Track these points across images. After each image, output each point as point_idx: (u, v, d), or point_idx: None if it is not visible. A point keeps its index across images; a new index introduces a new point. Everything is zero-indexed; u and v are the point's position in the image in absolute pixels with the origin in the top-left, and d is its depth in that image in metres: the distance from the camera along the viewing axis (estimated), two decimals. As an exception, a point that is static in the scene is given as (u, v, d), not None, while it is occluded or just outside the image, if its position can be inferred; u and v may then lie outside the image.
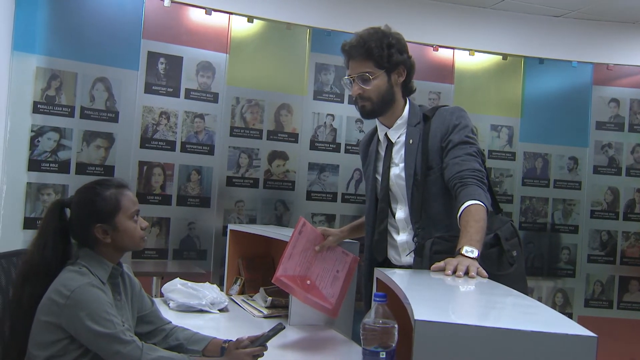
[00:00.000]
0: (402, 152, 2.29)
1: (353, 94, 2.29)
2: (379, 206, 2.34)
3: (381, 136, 2.38)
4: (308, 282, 2.36)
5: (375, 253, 2.36)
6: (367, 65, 2.27)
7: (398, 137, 2.33)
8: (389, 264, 2.35)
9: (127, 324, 1.85)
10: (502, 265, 2.11)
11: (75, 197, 1.95)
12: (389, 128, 2.34)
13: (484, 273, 1.77)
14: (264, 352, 1.95)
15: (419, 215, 2.20)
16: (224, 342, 2.05)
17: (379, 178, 2.37)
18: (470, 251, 1.86)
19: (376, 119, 2.40)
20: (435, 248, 2.11)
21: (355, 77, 2.27)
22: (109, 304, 1.78)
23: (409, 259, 2.27)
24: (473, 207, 1.98)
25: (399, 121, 2.32)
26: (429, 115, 2.28)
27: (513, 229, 2.23)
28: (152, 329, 2.08)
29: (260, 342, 1.96)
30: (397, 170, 2.30)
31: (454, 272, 1.76)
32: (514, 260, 2.14)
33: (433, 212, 2.19)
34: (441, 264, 1.83)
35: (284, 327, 2.04)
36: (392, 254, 2.35)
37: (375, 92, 2.26)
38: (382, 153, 2.38)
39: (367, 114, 2.32)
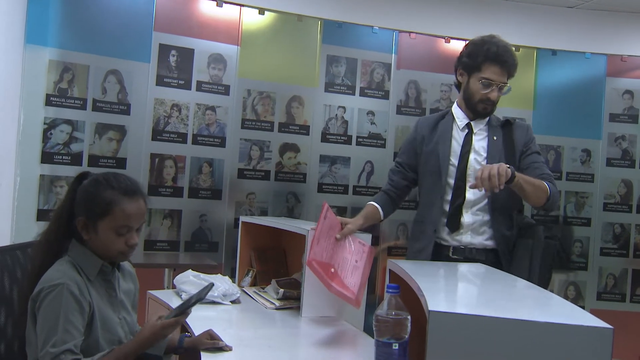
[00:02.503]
0: (485, 143, 2.64)
1: (493, 98, 2.60)
2: (456, 184, 2.61)
3: (462, 124, 2.68)
4: (332, 270, 2.35)
5: (449, 224, 2.61)
6: (506, 77, 2.62)
7: (479, 130, 2.68)
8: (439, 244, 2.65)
9: (122, 320, 1.83)
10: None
11: (89, 178, 1.86)
12: (472, 120, 2.68)
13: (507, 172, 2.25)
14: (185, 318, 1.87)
15: (497, 200, 2.56)
16: (181, 336, 2.04)
17: (454, 159, 2.64)
18: (512, 169, 2.32)
19: (456, 107, 2.73)
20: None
21: (500, 85, 2.60)
22: (72, 312, 1.66)
23: (468, 238, 2.61)
24: (544, 183, 2.56)
25: (482, 119, 2.69)
26: (511, 122, 2.71)
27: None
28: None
29: (176, 312, 1.81)
30: (478, 157, 2.63)
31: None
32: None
33: (503, 200, 2.58)
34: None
35: (212, 285, 1.96)
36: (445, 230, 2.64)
37: (499, 99, 2.66)
38: (459, 138, 2.66)
39: (485, 115, 2.68)
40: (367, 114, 4.50)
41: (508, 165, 2.31)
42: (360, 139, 4.48)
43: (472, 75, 2.63)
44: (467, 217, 2.62)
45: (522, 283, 1.59)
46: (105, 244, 1.78)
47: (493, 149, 2.62)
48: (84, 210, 1.79)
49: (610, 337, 1.10)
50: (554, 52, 4.79)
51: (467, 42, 2.75)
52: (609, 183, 4.84)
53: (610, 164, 4.84)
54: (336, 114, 4.43)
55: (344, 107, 4.46)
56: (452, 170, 2.64)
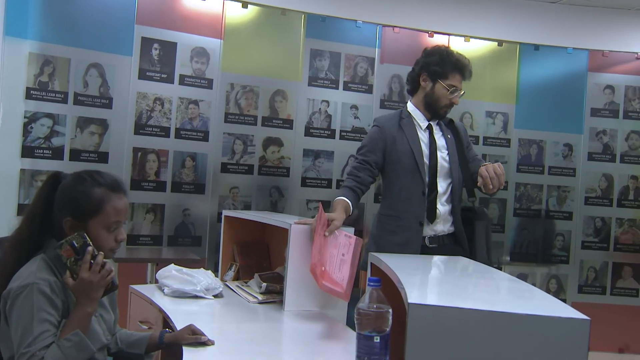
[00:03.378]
0: (443, 142, 2.92)
1: (457, 102, 2.89)
2: (430, 180, 2.85)
3: (424, 125, 2.91)
4: (323, 268, 2.36)
5: (429, 216, 2.83)
6: (461, 87, 2.91)
7: (435, 129, 2.93)
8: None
9: (99, 317, 1.80)
10: None
11: (68, 178, 1.81)
12: (430, 121, 2.92)
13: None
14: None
15: (456, 192, 2.89)
16: (162, 332, 2.02)
17: (426, 159, 2.87)
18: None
19: (415, 109, 2.94)
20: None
21: (459, 91, 2.88)
22: (45, 310, 1.64)
23: (440, 227, 2.87)
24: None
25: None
26: (453, 122, 3.00)
27: None
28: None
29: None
30: (442, 154, 2.89)
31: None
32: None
33: (459, 192, 2.93)
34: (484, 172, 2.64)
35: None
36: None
37: None
38: (424, 138, 2.89)
39: (442, 117, 2.94)
40: (351, 108, 4.50)
41: (499, 163, 2.68)
42: (344, 133, 4.49)
43: (437, 82, 2.86)
44: (440, 208, 2.87)
45: (501, 275, 1.61)
46: (95, 243, 1.75)
47: (451, 146, 2.92)
48: (71, 211, 1.75)
49: (587, 328, 1.11)
50: (536, 47, 4.82)
51: (427, 52, 2.96)
52: (590, 177, 4.89)
53: (591, 158, 4.88)
54: (320, 108, 4.43)
55: (327, 101, 4.45)
56: (426, 167, 2.87)
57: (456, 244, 2.89)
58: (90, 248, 1.72)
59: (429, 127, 2.91)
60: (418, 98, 2.93)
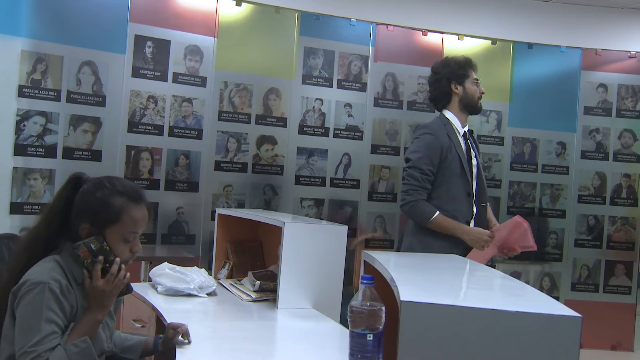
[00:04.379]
0: (473, 148, 3.15)
1: (483, 91, 3.18)
2: (472, 184, 3.09)
3: (462, 132, 3.13)
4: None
5: (477, 224, 3.07)
6: None
7: (465, 134, 3.16)
8: None
9: (104, 324, 1.78)
10: None
11: (90, 183, 1.79)
12: (464, 128, 3.15)
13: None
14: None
15: (482, 195, 3.14)
16: (156, 338, 2.01)
17: (466, 165, 3.07)
18: None
19: (453, 116, 3.14)
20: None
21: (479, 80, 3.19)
22: (54, 311, 1.63)
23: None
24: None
25: (467, 126, 3.20)
26: (472, 132, 3.28)
27: None
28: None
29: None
30: (474, 161, 3.13)
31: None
32: None
33: (485, 195, 3.17)
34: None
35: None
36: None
37: None
38: (462, 144, 3.10)
39: (478, 110, 3.24)
40: (345, 106, 4.50)
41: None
42: (338, 131, 4.48)
43: (464, 82, 3.13)
44: (474, 209, 3.10)
45: (494, 273, 1.61)
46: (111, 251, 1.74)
47: (477, 153, 3.19)
48: (89, 217, 1.74)
49: (578, 325, 1.12)
50: (530, 45, 4.83)
51: (439, 67, 3.20)
52: (584, 175, 4.90)
53: (584, 156, 4.90)
54: (313, 106, 4.43)
55: (321, 99, 4.45)
56: (469, 173, 3.12)
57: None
58: (101, 257, 1.72)
59: (464, 134, 3.16)
60: (453, 105, 3.15)
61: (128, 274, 1.79)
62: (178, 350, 1.86)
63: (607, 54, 4.89)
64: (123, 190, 1.77)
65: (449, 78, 3.14)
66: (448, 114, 3.15)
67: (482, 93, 3.18)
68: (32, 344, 1.59)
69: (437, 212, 2.94)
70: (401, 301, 1.13)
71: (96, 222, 1.73)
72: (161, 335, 2.06)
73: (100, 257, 1.72)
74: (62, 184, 1.83)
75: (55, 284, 1.65)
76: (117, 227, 1.74)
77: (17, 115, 3.62)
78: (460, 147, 3.09)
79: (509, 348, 1.13)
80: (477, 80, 3.17)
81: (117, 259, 1.75)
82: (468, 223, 3.03)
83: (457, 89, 3.14)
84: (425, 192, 3.00)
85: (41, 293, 1.63)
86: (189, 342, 1.93)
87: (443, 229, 2.95)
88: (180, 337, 1.93)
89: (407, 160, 3.09)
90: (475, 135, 3.33)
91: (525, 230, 2.99)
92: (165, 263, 2.78)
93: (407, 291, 1.20)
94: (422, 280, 1.51)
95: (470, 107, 3.16)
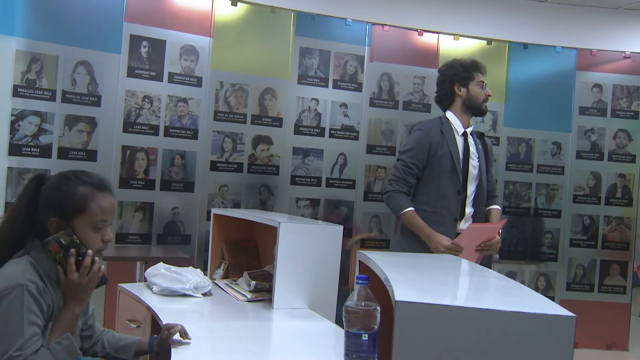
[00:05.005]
0: (475, 150, 3.19)
1: (489, 93, 3.24)
2: (463, 182, 3.11)
3: (460, 131, 3.17)
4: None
5: (460, 220, 3.11)
6: None
7: (470, 137, 3.20)
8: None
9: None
10: None
11: (52, 178, 1.79)
12: (465, 128, 3.19)
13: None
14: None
15: (480, 197, 3.17)
16: (152, 339, 2.01)
17: (460, 164, 3.11)
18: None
19: (453, 116, 3.20)
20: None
21: (486, 83, 3.23)
22: (34, 312, 1.62)
23: (463, 226, 3.10)
24: (499, 210, 3.34)
25: (470, 128, 3.22)
26: (484, 135, 3.34)
27: None
28: (82, 335, 1.91)
29: None
30: (473, 161, 3.16)
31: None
32: None
33: (483, 197, 3.21)
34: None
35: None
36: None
37: None
38: (459, 143, 3.14)
39: (483, 113, 3.30)
40: (340, 106, 4.50)
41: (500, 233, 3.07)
42: (334, 131, 4.48)
43: (468, 85, 3.18)
44: (467, 209, 3.13)
45: (489, 273, 1.61)
46: (82, 243, 1.74)
47: (481, 156, 3.20)
48: (56, 210, 1.73)
49: (572, 325, 1.12)
50: (525, 45, 4.84)
51: (445, 69, 3.28)
52: (579, 175, 4.92)
53: (579, 156, 4.91)
54: (309, 106, 4.43)
55: (317, 99, 4.45)
56: (460, 171, 3.14)
57: None
58: (73, 250, 1.72)
59: (464, 134, 3.18)
60: (456, 107, 3.21)
61: (103, 266, 1.79)
62: (173, 351, 1.86)
63: (602, 55, 4.90)
64: (87, 180, 1.77)
65: (452, 80, 3.21)
66: (449, 114, 3.22)
67: (488, 96, 3.23)
68: (17, 348, 1.58)
69: (410, 208, 3.04)
70: (396, 301, 1.13)
71: (64, 215, 1.73)
72: (156, 335, 2.06)
73: (72, 251, 1.71)
74: (24, 185, 1.81)
75: (32, 285, 1.64)
76: (85, 216, 1.74)
77: (12, 115, 3.61)
78: (455, 145, 3.13)
79: (503, 348, 1.13)
80: (483, 83, 3.22)
81: (89, 251, 1.75)
82: (456, 221, 3.10)
83: (460, 91, 3.20)
84: (405, 184, 3.10)
85: (19, 296, 1.61)
86: (189, 340, 1.93)
87: (410, 226, 3.05)
88: (178, 337, 1.93)
89: (398, 153, 3.26)
90: (487, 141, 3.35)
91: (479, 230, 3.05)
92: (161, 263, 2.78)
93: (402, 291, 1.20)
94: (417, 280, 1.51)
95: (474, 109, 3.21)
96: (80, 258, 1.73)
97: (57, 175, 1.80)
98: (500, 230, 3.09)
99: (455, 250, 2.90)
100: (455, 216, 3.10)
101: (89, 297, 1.80)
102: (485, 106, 3.25)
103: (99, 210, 1.76)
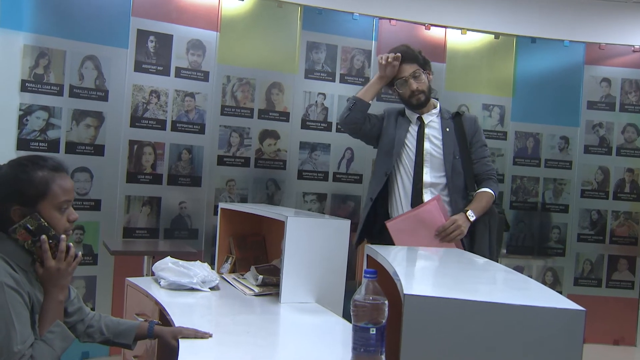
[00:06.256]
0: (438, 133, 2.97)
1: (414, 87, 2.92)
2: (415, 169, 2.94)
3: (413, 118, 3.02)
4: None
5: (413, 204, 2.92)
6: (415, 67, 2.94)
7: (430, 122, 3.00)
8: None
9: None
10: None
11: (5, 167, 1.76)
12: (422, 114, 3.00)
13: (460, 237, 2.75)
14: None
15: (451, 183, 2.92)
16: (152, 323, 2.02)
17: (411, 147, 2.97)
18: (471, 215, 2.79)
19: (406, 108, 3.03)
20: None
21: (413, 74, 2.93)
22: (20, 305, 1.62)
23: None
24: (488, 193, 2.91)
25: (433, 111, 3.02)
26: (460, 114, 3.04)
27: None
28: (71, 321, 1.89)
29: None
30: (433, 146, 2.95)
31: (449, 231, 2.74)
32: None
33: (458, 183, 2.93)
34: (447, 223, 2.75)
35: None
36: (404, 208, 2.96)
37: (425, 86, 2.95)
38: (413, 132, 2.98)
39: (422, 104, 2.97)
40: (347, 100, 4.48)
41: (469, 215, 2.79)
42: (340, 126, 4.46)
43: (395, 86, 2.99)
44: (426, 196, 2.93)
45: (497, 267, 1.61)
46: (50, 225, 1.73)
47: (447, 139, 2.97)
48: (17, 198, 1.70)
49: (582, 319, 1.11)
50: (533, 39, 4.81)
51: None
52: (587, 170, 4.89)
53: (587, 151, 4.89)
54: (316, 101, 4.42)
55: (324, 94, 4.45)
56: (407, 154, 2.98)
57: None
58: (44, 237, 1.70)
59: (420, 120, 3.00)
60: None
61: (80, 253, 1.78)
62: (181, 344, 1.86)
63: (611, 48, 4.87)
64: (43, 163, 1.75)
65: (390, 83, 3.01)
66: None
67: (417, 90, 2.93)
68: (13, 345, 1.58)
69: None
70: (405, 294, 1.12)
71: (26, 202, 1.71)
72: (155, 321, 2.06)
73: (44, 237, 1.70)
74: None
75: (10, 279, 1.63)
76: (48, 199, 1.73)
77: (20, 110, 3.63)
78: (404, 132, 2.98)
79: (512, 341, 1.13)
80: (403, 77, 2.93)
81: (63, 236, 1.74)
82: (371, 200, 2.99)
83: (393, 91, 3.05)
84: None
85: (1, 293, 1.60)
86: (211, 335, 1.94)
87: None
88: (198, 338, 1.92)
89: None
90: (468, 118, 3.04)
91: (408, 220, 2.81)
92: (168, 257, 2.79)
93: (411, 284, 1.19)
94: (425, 274, 1.51)
95: (409, 106, 3.01)
96: (51, 241, 1.72)
97: (10, 163, 1.78)
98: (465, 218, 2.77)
99: None
100: (371, 196, 3.00)
101: (69, 282, 1.78)
102: (417, 100, 2.95)
103: (61, 190, 1.74)
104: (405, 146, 2.99)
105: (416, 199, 2.93)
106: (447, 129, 2.98)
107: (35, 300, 1.72)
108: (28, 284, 1.71)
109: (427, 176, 2.94)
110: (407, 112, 3.05)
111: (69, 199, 1.77)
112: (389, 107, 3.19)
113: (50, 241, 1.72)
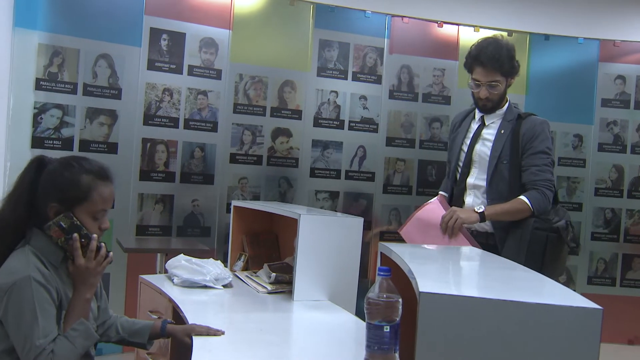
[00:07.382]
0: (493, 133, 2.85)
1: (481, 96, 2.82)
2: (462, 170, 2.91)
3: (477, 117, 2.94)
4: None
5: (456, 205, 2.86)
6: (497, 75, 2.80)
7: (491, 123, 2.89)
8: None
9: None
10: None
11: (54, 163, 1.80)
12: (487, 114, 2.90)
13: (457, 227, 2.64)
14: None
15: (491, 187, 2.79)
16: (164, 322, 2.04)
17: (465, 148, 2.92)
18: (479, 208, 2.72)
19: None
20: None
21: (489, 84, 2.79)
22: (46, 300, 1.64)
23: None
24: (520, 201, 2.70)
25: (498, 112, 2.89)
26: (522, 117, 2.85)
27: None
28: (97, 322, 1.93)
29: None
30: (483, 147, 2.86)
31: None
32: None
33: (500, 188, 2.78)
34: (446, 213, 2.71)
35: None
36: None
37: (497, 95, 2.84)
38: (471, 130, 2.92)
39: (487, 111, 2.88)
40: (360, 98, 4.49)
41: (478, 209, 2.72)
42: (353, 124, 4.47)
43: (469, 84, 2.90)
44: (468, 199, 2.88)
45: (513, 265, 1.60)
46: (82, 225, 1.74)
47: (498, 141, 2.83)
48: (58, 196, 1.73)
49: (599, 317, 1.11)
50: (546, 37, 4.78)
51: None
52: (601, 168, 4.86)
53: (601, 149, 4.85)
54: (328, 99, 4.42)
55: (336, 92, 4.44)
56: (462, 154, 2.95)
57: (494, 246, 2.73)
58: (76, 235, 1.72)
59: (482, 119, 2.92)
60: None
61: (111, 254, 1.80)
62: (195, 341, 1.87)
63: (626, 45, 4.83)
64: (90, 168, 1.79)
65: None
66: None
67: (480, 98, 2.84)
68: (36, 339, 1.60)
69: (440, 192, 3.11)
70: (420, 292, 1.12)
71: (65, 201, 1.73)
72: (169, 320, 2.08)
73: (76, 236, 1.72)
74: (24, 168, 1.81)
75: (38, 274, 1.65)
76: (86, 205, 1.75)
77: (35, 108, 3.65)
78: (463, 132, 2.96)
79: (528, 340, 1.12)
80: (476, 81, 2.82)
81: (94, 235, 1.75)
82: (447, 198, 3.01)
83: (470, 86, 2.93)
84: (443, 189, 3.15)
85: (28, 287, 1.62)
86: (223, 332, 1.95)
87: None
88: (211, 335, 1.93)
89: None
90: (528, 123, 2.83)
91: (421, 221, 2.80)
92: (182, 255, 2.80)
93: (426, 282, 1.19)
94: (439, 272, 1.51)
95: (476, 105, 2.95)
96: (82, 240, 1.73)
97: (60, 160, 1.81)
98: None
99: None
100: (443, 191, 3.09)
101: (98, 282, 1.80)
102: (482, 105, 2.86)
103: (101, 199, 1.77)
104: (464, 144, 2.96)
105: (457, 200, 2.91)
106: (502, 131, 2.84)
107: (64, 296, 1.74)
108: (58, 281, 1.73)
109: (472, 178, 2.88)
110: (477, 110, 2.99)
111: (105, 209, 1.79)
112: (456, 114, 3.22)
113: (82, 240, 1.74)
